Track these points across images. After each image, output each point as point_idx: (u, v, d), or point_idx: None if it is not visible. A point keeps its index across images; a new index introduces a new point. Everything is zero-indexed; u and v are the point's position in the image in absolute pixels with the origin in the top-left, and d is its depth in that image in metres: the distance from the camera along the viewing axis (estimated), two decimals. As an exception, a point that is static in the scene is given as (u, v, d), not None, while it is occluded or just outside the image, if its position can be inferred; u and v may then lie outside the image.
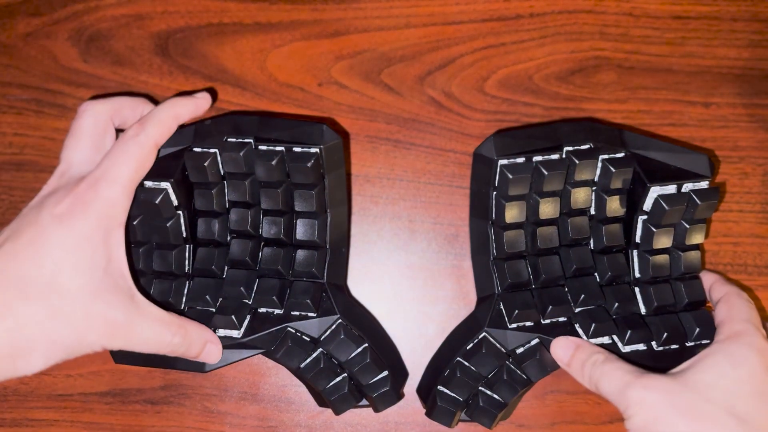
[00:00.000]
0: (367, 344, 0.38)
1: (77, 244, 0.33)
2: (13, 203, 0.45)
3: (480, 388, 0.38)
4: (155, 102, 0.39)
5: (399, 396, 0.40)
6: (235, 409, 0.44)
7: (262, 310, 0.38)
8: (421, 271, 0.45)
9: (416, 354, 0.44)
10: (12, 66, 0.45)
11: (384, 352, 0.39)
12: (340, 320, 0.38)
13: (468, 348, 0.38)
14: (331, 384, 0.38)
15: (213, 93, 0.44)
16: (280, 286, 0.38)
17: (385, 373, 0.39)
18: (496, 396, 0.38)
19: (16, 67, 0.45)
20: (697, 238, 0.39)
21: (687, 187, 0.37)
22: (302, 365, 0.38)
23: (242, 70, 0.45)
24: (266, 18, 0.45)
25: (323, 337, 0.38)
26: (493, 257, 0.39)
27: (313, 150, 0.37)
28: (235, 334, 0.38)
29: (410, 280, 0.45)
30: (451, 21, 0.45)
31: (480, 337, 0.38)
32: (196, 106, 0.38)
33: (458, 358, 0.38)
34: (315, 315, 0.38)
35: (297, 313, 0.38)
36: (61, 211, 0.33)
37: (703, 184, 0.38)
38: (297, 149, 0.37)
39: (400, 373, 0.41)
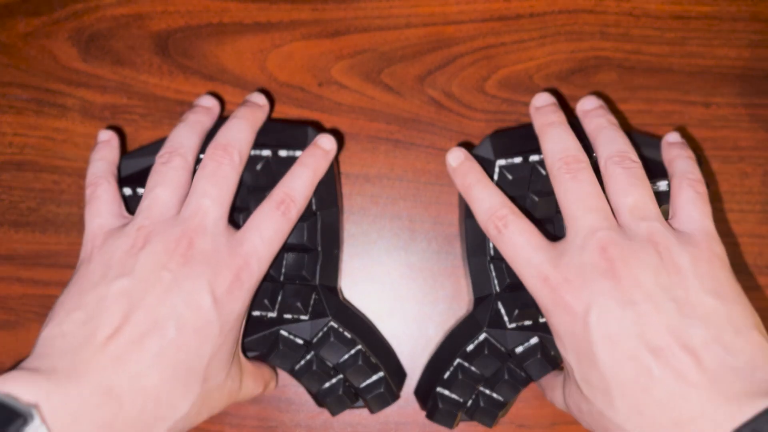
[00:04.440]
0: (359, 346, 0.38)
1: (231, 328, 0.33)
2: (13, 203, 0.45)
3: (480, 388, 0.38)
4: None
5: (395, 397, 0.40)
6: (235, 409, 0.44)
7: (256, 313, 0.38)
8: (421, 271, 0.45)
9: (416, 354, 0.44)
10: (12, 66, 0.45)
11: (379, 353, 0.39)
12: (331, 322, 0.38)
13: (468, 349, 0.38)
14: (325, 386, 0.38)
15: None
16: (272, 290, 0.38)
17: (380, 374, 0.39)
18: (497, 396, 0.38)
19: (16, 67, 0.45)
20: None
21: None
22: (295, 368, 0.38)
23: (242, 70, 0.45)
24: (266, 18, 0.45)
25: (315, 339, 0.38)
26: (490, 257, 0.39)
27: (298, 153, 0.37)
28: None
29: (410, 280, 0.45)
30: (451, 21, 0.45)
31: (480, 338, 0.38)
32: (328, 161, 0.37)
33: (458, 360, 0.38)
34: (307, 318, 0.38)
35: (289, 316, 0.38)
36: (221, 292, 0.32)
37: None
38: (282, 153, 0.37)
39: (396, 374, 0.41)
